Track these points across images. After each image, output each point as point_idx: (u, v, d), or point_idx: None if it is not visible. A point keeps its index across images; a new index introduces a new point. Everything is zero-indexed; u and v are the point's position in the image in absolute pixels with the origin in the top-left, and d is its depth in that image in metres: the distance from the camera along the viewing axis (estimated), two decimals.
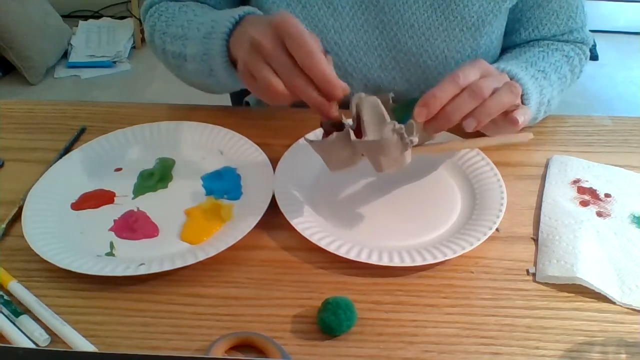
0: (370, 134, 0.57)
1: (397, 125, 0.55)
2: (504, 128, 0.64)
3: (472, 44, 0.77)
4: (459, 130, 0.65)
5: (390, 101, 0.63)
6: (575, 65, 0.81)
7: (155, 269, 0.57)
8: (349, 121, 0.59)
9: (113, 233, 0.63)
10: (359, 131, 0.58)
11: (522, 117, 0.62)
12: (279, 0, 0.77)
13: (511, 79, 0.66)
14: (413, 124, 0.57)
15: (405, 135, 0.55)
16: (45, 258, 0.57)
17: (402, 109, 0.63)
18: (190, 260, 0.57)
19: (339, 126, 0.60)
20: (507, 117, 0.62)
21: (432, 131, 0.62)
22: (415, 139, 0.56)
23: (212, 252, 0.58)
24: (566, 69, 0.79)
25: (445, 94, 0.60)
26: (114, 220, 0.64)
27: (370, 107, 0.58)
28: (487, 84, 0.61)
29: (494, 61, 0.80)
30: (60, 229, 0.63)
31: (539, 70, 0.74)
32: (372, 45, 0.78)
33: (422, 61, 0.78)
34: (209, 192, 0.68)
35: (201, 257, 0.58)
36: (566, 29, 0.81)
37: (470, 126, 0.60)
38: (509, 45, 0.84)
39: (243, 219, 0.63)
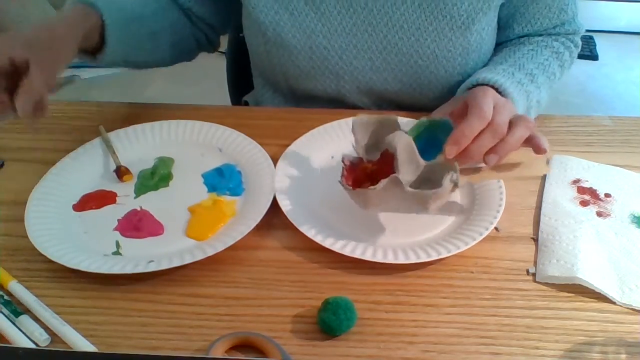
0: (405, 174, 0.59)
1: (455, 176, 0.57)
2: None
3: (462, 42, 0.77)
4: None
5: (399, 127, 0.64)
6: (566, 60, 0.83)
7: (165, 265, 0.57)
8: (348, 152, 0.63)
9: (118, 232, 0.63)
10: (381, 164, 0.61)
11: (547, 144, 0.68)
12: (266, 9, 0.77)
13: (497, 89, 0.70)
14: (457, 166, 0.59)
15: (458, 182, 0.57)
16: (52, 259, 0.57)
17: (411, 134, 0.63)
18: (199, 256, 0.58)
19: (356, 161, 0.63)
20: (533, 146, 0.68)
21: None
22: (460, 181, 0.59)
23: (221, 248, 0.59)
24: (555, 65, 0.81)
25: (473, 131, 0.63)
26: (118, 220, 0.64)
27: (406, 146, 0.60)
28: (505, 120, 0.65)
29: (486, 58, 0.82)
30: (64, 230, 0.63)
31: (526, 74, 0.76)
32: (362, 48, 0.78)
33: (413, 61, 0.78)
34: (211, 189, 0.68)
35: (210, 252, 0.58)
36: (558, 21, 0.82)
37: (492, 161, 0.65)
38: (502, 40, 0.85)
39: (246, 215, 0.63)
